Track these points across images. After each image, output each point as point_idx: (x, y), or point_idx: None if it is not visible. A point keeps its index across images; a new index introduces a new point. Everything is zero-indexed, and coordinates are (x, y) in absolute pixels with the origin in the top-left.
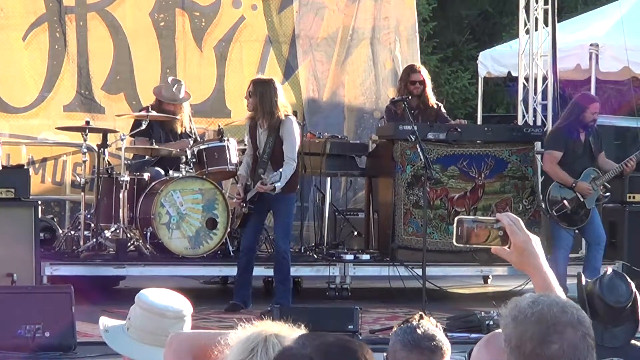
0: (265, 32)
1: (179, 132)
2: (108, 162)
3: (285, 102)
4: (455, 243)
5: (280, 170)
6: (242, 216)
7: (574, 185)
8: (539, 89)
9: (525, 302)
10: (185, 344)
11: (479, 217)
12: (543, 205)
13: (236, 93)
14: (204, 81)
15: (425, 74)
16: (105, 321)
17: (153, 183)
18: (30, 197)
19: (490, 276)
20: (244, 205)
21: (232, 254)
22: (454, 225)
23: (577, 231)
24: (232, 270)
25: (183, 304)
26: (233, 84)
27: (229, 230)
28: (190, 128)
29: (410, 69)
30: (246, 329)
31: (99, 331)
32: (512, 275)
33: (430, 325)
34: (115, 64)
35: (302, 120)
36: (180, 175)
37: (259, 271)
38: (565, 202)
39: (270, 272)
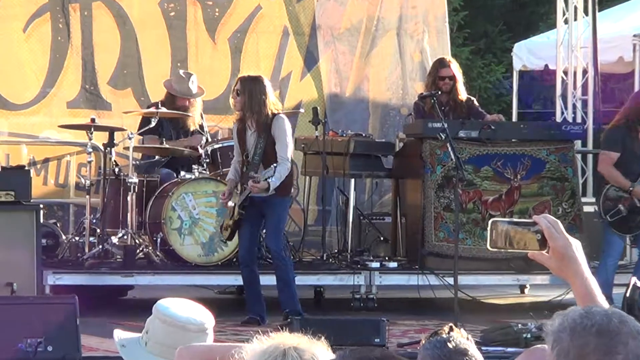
0: (284, 22)
1: (191, 130)
2: (115, 162)
3: (275, 100)
4: (489, 247)
5: (274, 165)
6: (232, 226)
7: (631, 189)
8: (579, 83)
9: (577, 314)
10: (197, 358)
11: (515, 219)
12: (596, 209)
13: None
14: (217, 75)
15: (455, 69)
16: (120, 334)
17: (163, 185)
18: (32, 200)
19: (527, 285)
20: (233, 213)
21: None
22: (488, 228)
23: (631, 238)
24: None
25: (205, 316)
26: None
27: None
28: (202, 126)
29: (440, 63)
30: (263, 341)
31: (114, 345)
32: (551, 285)
33: (461, 338)
34: (122, 57)
35: (323, 117)
36: (193, 176)
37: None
38: (620, 207)
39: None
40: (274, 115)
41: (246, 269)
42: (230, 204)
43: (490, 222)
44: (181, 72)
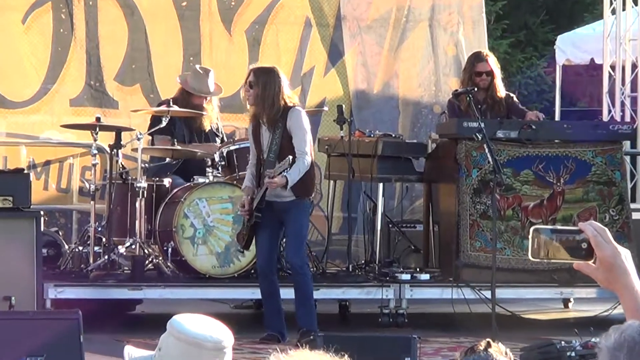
0: (305, 12)
1: (206, 130)
2: (122, 165)
3: (290, 93)
4: (530, 257)
5: (289, 157)
6: (247, 233)
7: None
8: (628, 79)
9: (636, 331)
10: None
11: (559, 227)
12: None
13: None
14: (233, 71)
15: (493, 63)
16: (131, 351)
17: (175, 190)
18: (31, 206)
19: (571, 299)
20: (249, 217)
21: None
22: (529, 236)
23: None
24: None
25: (223, 333)
26: None
27: None
28: (217, 126)
29: (476, 57)
30: (281, 359)
31: None
32: (597, 298)
33: (500, 355)
34: (130, 51)
35: (349, 115)
36: (207, 180)
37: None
38: None
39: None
40: (288, 108)
41: (265, 281)
42: None
43: (531, 230)
44: (198, 67)
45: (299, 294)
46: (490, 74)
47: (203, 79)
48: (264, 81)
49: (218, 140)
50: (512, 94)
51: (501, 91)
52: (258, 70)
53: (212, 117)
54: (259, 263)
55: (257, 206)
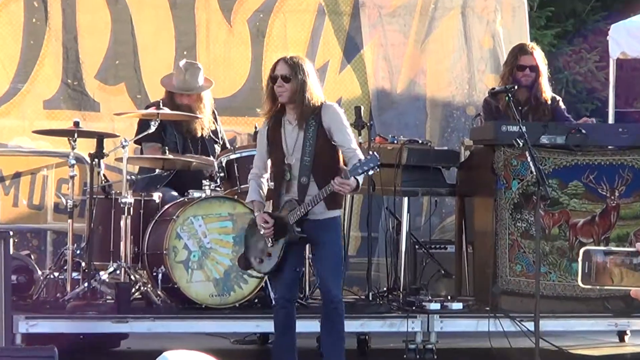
0: None
1: (201, 135)
2: (104, 177)
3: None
4: (581, 284)
5: (360, 157)
6: (281, 254)
7: None
8: None
9: None
10: None
11: (613, 248)
12: None
13: None
14: (233, 67)
15: (540, 58)
16: None
17: (166, 206)
18: None
19: (628, 331)
20: (294, 232)
21: (274, 303)
22: (579, 259)
23: None
24: (272, 326)
25: None
26: None
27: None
28: (216, 130)
29: (520, 49)
30: None
31: None
32: None
33: None
34: (114, 44)
35: (368, 118)
36: (204, 195)
37: (312, 326)
38: None
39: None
40: (320, 103)
41: (282, 311)
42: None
43: (581, 251)
44: (182, 62)
45: (335, 332)
46: (536, 69)
47: (185, 74)
48: (300, 73)
49: (217, 147)
50: (558, 97)
51: (547, 92)
52: (294, 60)
53: (205, 119)
54: (281, 291)
55: (299, 219)
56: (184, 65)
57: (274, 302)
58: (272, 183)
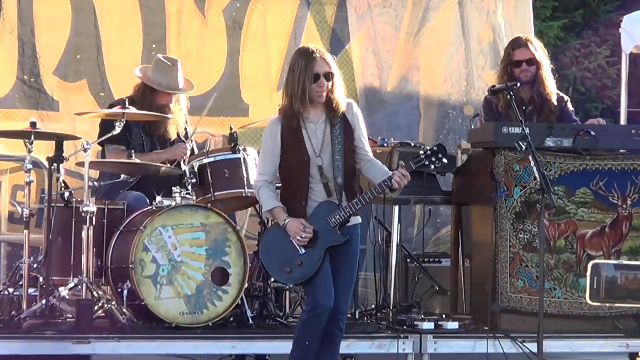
0: None
1: (172, 138)
2: (64, 183)
3: None
4: (589, 301)
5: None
6: (322, 259)
7: None
8: None
9: None
10: None
11: (625, 262)
12: None
13: (258, 79)
14: (207, 62)
15: (538, 49)
16: None
17: (132, 215)
18: None
19: None
20: (338, 236)
21: (251, 321)
22: (588, 274)
23: None
24: (250, 347)
25: None
26: (253, 65)
27: (246, 286)
28: (187, 132)
29: (513, 44)
30: None
31: None
32: None
33: None
34: (75, 37)
35: None
36: (174, 203)
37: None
38: None
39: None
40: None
41: (319, 320)
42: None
43: (590, 265)
44: (161, 57)
45: (336, 351)
46: (533, 62)
47: (169, 71)
48: (335, 69)
49: (189, 148)
50: (566, 97)
51: (551, 86)
52: (327, 55)
53: (180, 120)
54: (324, 301)
55: (343, 222)
56: (169, 60)
57: (309, 310)
58: (282, 186)
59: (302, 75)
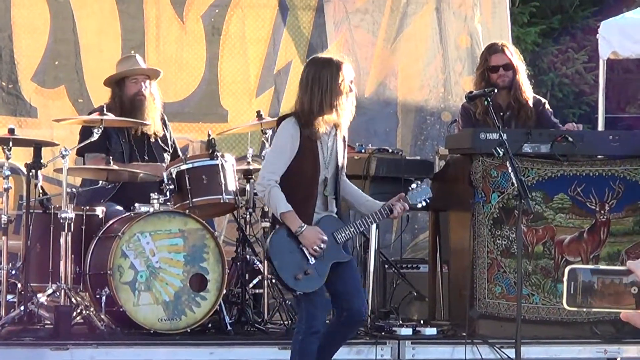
0: None
1: (149, 143)
2: (42, 190)
3: None
4: (566, 306)
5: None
6: (327, 272)
7: None
8: None
9: None
10: None
11: (602, 267)
12: None
13: (237, 85)
14: (186, 67)
15: (514, 55)
16: None
17: (110, 222)
18: None
19: (618, 358)
20: (344, 253)
21: (229, 327)
22: (565, 279)
23: None
24: (228, 353)
25: None
26: (232, 71)
27: (224, 292)
28: (166, 137)
29: (489, 49)
30: None
31: None
32: None
33: None
34: (53, 43)
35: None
36: (151, 209)
37: (272, 353)
38: None
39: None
40: None
41: (317, 340)
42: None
43: (566, 270)
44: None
45: (342, 341)
46: (510, 67)
47: (128, 60)
48: None
49: (167, 156)
50: (544, 100)
51: (528, 91)
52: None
53: (156, 120)
54: (323, 316)
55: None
56: (125, 55)
57: (305, 328)
58: (287, 191)
59: (341, 85)
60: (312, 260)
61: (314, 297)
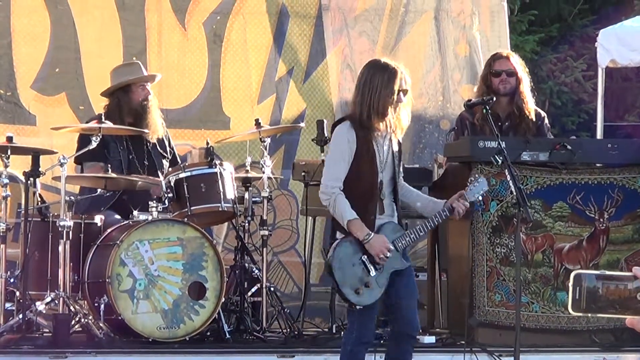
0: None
1: (148, 150)
2: (41, 198)
3: None
4: (571, 311)
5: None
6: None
7: None
8: None
9: None
10: None
11: (607, 272)
12: None
13: (239, 92)
14: (188, 74)
15: (518, 63)
16: None
17: (109, 230)
18: None
19: None
20: (404, 261)
21: (228, 336)
22: (570, 284)
23: None
24: None
25: None
26: (234, 78)
27: (223, 300)
28: (164, 144)
29: (493, 57)
30: None
31: None
32: None
33: None
34: (53, 50)
35: (331, 132)
36: (150, 217)
37: None
38: None
39: None
40: None
41: (364, 352)
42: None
43: (572, 275)
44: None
45: None
46: (513, 74)
47: (132, 67)
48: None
49: (166, 163)
50: (543, 114)
51: (530, 103)
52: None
53: (157, 124)
54: (371, 328)
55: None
56: (125, 62)
57: (355, 338)
58: (350, 200)
59: (384, 90)
60: (372, 272)
61: (369, 309)
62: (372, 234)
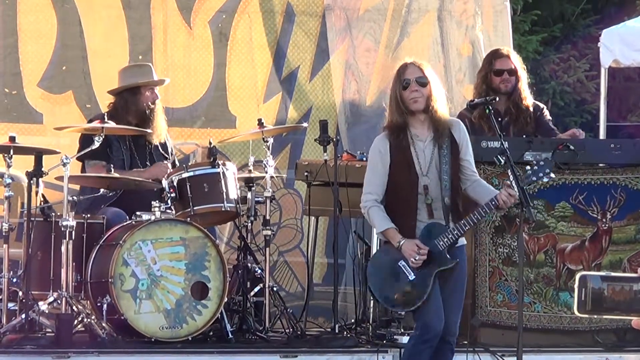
0: None
1: (150, 150)
2: (44, 197)
3: None
4: (577, 312)
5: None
6: (432, 283)
7: None
8: None
9: None
10: None
11: (612, 274)
12: None
13: (245, 90)
14: (194, 73)
15: (517, 62)
16: None
17: (112, 230)
18: None
19: None
20: (448, 260)
21: (230, 336)
22: (575, 286)
23: None
24: None
25: None
26: (239, 77)
27: (225, 300)
28: (165, 145)
29: (494, 54)
30: None
31: None
32: None
33: None
34: (60, 49)
35: (334, 133)
36: (153, 217)
37: None
38: None
39: None
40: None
41: (429, 349)
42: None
43: (578, 277)
44: (126, 66)
45: None
46: (514, 73)
47: (143, 68)
48: (434, 76)
49: (169, 162)
50: (542, 105)
51: (528, 99)
52: (420, 63)
53: (160, 125)
54: (434, 325)
55: (449, 245)
56: (135, 63)
57: (417, 336)
58: (387, 205)
59: (395, 85)
60: (411, 276)
61: (425, 306)
62: (404, 240)
